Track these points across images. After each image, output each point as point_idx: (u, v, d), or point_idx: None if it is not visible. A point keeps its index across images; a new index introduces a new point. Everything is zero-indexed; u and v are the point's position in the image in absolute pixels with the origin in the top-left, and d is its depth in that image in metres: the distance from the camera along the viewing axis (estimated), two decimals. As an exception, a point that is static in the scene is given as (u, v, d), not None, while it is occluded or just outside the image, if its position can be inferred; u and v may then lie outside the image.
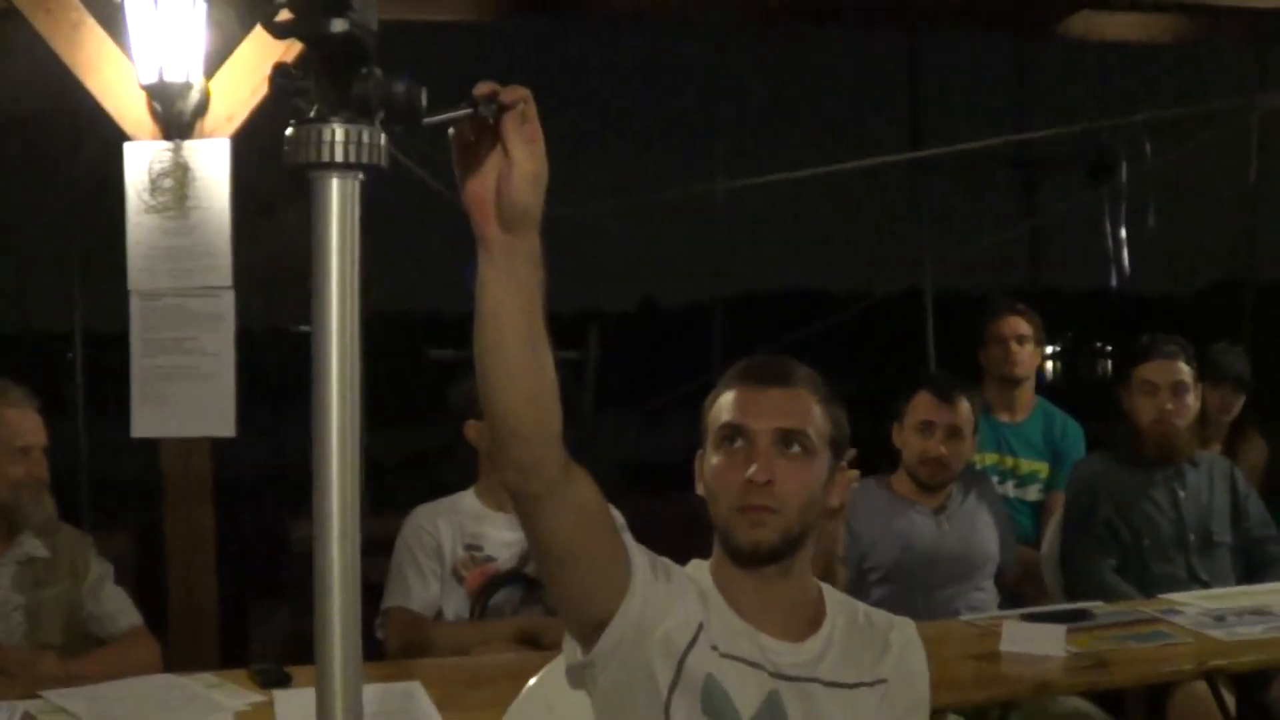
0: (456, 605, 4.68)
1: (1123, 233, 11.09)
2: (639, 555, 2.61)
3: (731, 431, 2.74)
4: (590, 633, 2.58)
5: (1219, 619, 4.62)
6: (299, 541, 8.60)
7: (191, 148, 5.14)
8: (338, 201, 1.63)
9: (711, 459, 2.77)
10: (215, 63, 5.28)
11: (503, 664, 3.85)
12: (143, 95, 5.24)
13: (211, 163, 5.10)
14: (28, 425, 4.44)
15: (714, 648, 2.66)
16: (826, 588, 2.92)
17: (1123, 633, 4.50)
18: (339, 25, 1.62)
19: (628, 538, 2.65)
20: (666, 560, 2.75)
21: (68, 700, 3.75)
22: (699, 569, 2.82)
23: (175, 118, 5.13)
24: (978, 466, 6.40)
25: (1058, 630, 4.29)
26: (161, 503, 5.39)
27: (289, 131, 1.64)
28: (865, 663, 2.80)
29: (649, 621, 2.59)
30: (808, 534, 2.77)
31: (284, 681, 3.86)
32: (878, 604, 4.87)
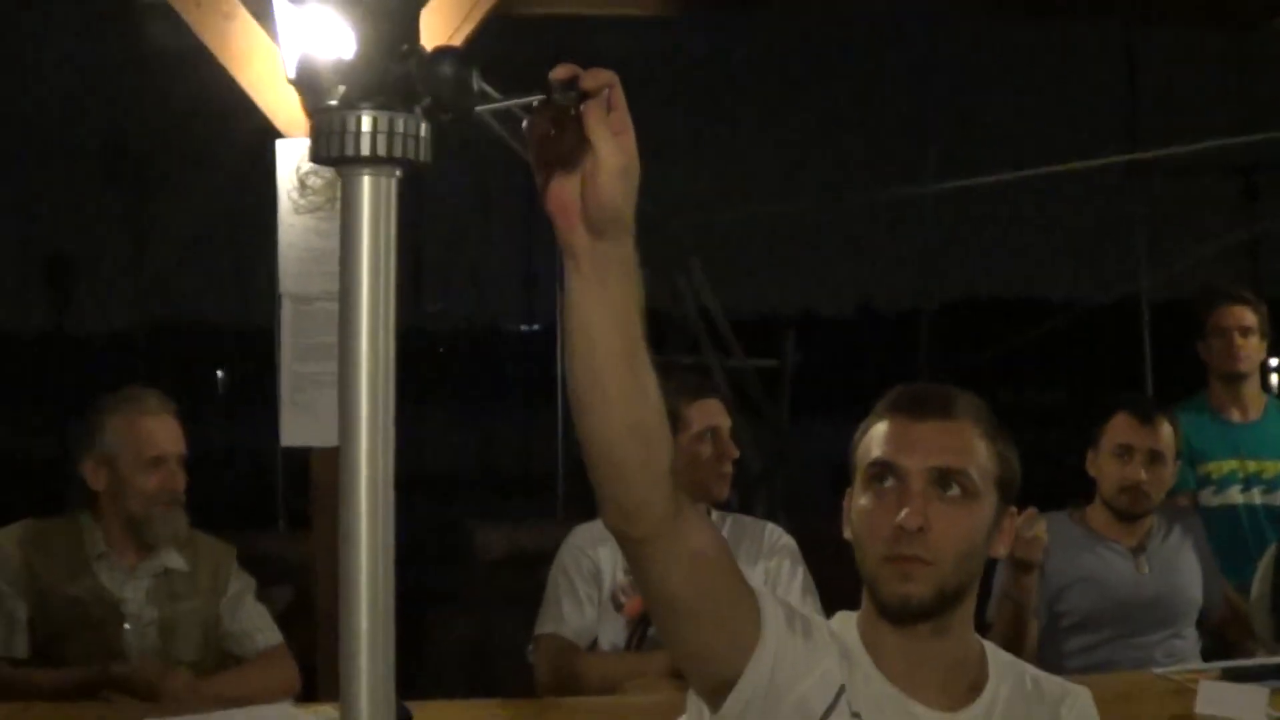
0: (613, 634, 4.49)
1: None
2: (772, 607, 2.34)
3: (882, 470, 2.44)
4: (716, 693, 2.32)
5: None
6: (484, 549, 8.45)
7: (344, 145, 4.99)
8: (369, 203, 1.41)
9: (859, 500, 2.48)
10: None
11: (642, 711, 3.62)
12: (293, 90, 5.05)
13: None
14: (163, 434, 4.33)
15: (856, 715, 2.36)
16: (991, 648, 2.59)
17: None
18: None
19: (763, 592, 2.37)
20: (808, 613, 2.47)
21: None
22: (845, 623, 2.53)
23: (327, 115, 4.98)
24: (1214, 477, 6.11)
25: (1260, 692, 3.91)
26: (313, 516, 5.29)
27: (315, 122, 1.42)
28: None
29: (782, 682, 2.31)
30: (968, 588, 2.46)
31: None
32: (1074, 654, 4.63)
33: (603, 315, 1.90)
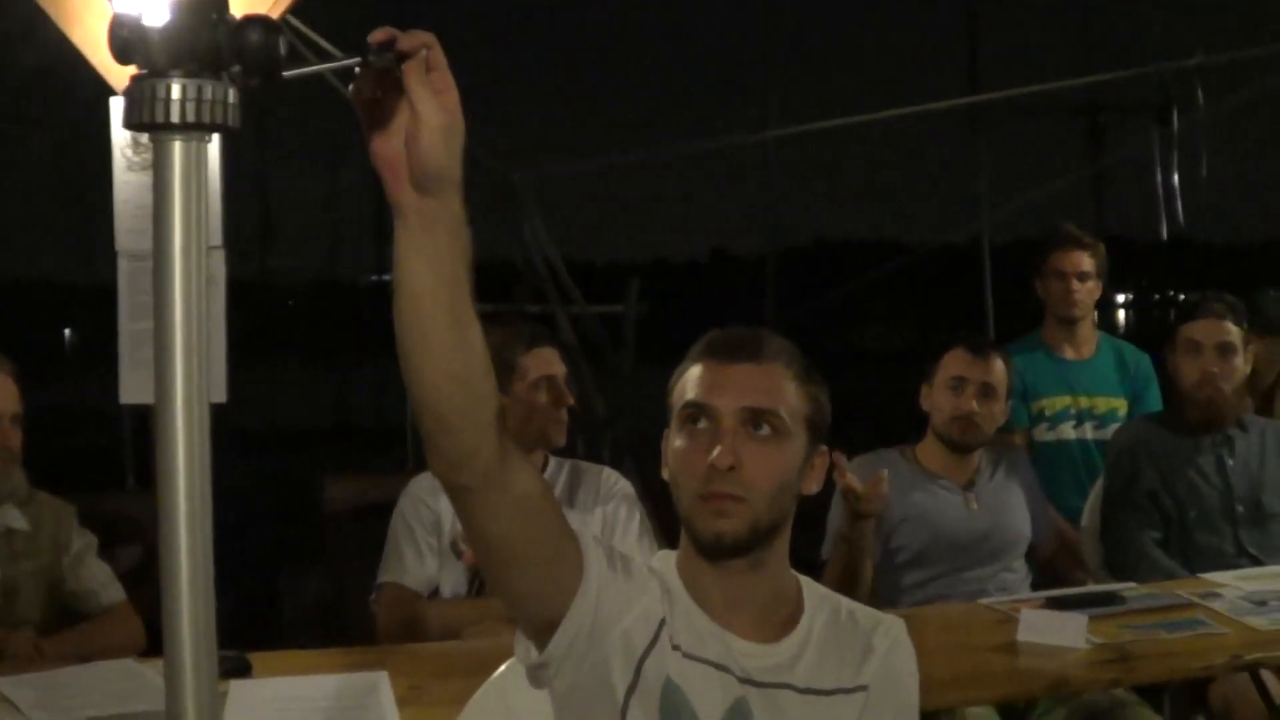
0: (454, 582, 4.53)
1: (1175, 180, 10.86)
2: (593, 549, 2.41)
3: (695, 411, 2.52)
4: (542, 632, 2.40)
5: (1260, 604, 4.37)
6: (331, 502, 8.47)
7: (179, 101, 4.96)
8: (180, 167, 1.44)
9: (675, 441, 2.56)
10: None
11: (484, 654, 3.64)
12: (130, 49, 5.01)
13: (202, 116, 4.92)
14: None
15: (676, 647, 2.46)
16: (806, 581, 2.69)
17: (1152, 620, 4.27)
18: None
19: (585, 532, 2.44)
20: (627, 553, 2.56)
21: (13, 688, 3.58)
22: (665, 561, 2.62)
23: (159, 70, 4.95)
24: (1048, 414, 6.28)
25: (1079, 620, 4.06)
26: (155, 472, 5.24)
27: (126, 89, 1.46)
28: (845, 667, 2.58)
29: (605, 620, 2.40)
30: (781, 524, 2.55)
31: (244, 670, 3.68)
32: (909, 589, 4.75)
33: (429, 270, 1.94)
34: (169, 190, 1.45)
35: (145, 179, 4.91)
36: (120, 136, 4.96)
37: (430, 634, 4.34)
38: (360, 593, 4.90)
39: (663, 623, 2.46)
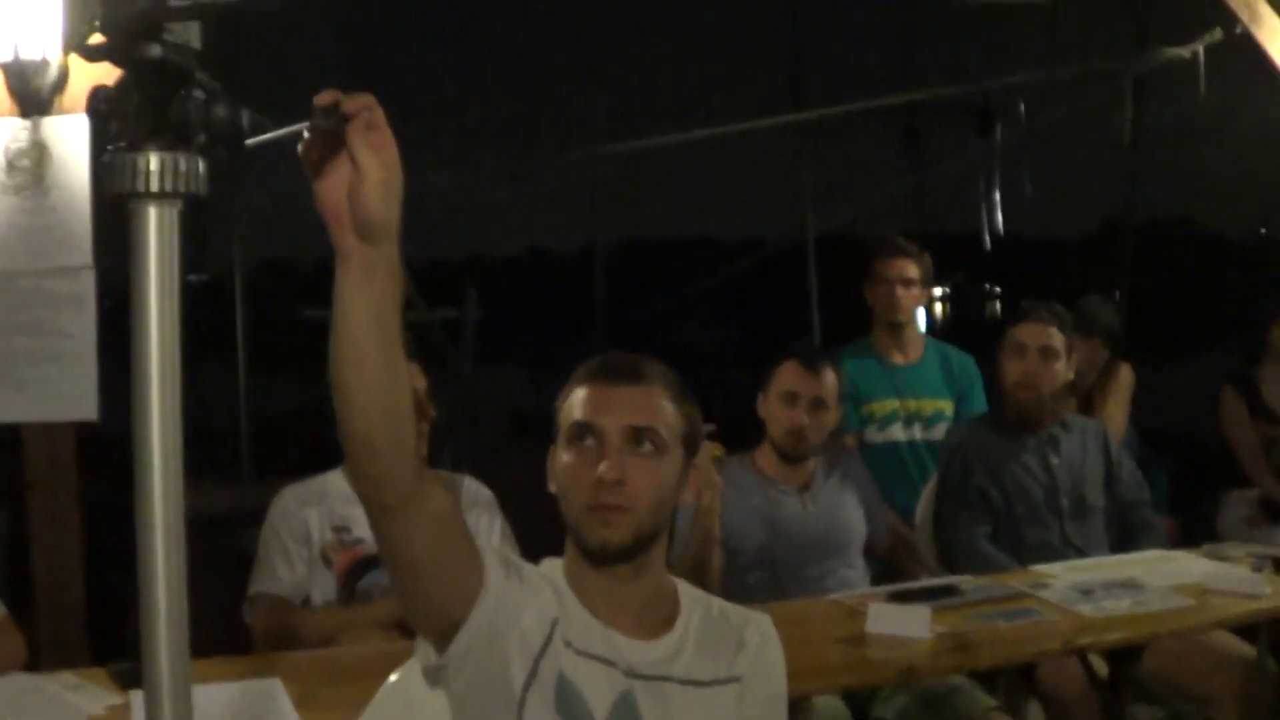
0: (325, 589, 4.63)
1: (996, 195, 11.17)
2: (491, 557, 2.59)
3: (582, 430, 2.73)
4: (444, 635, 2.56)
5: (1086, 593, 4.61)
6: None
7: (49, 125, 5.02)
8: (155, 231, 1.60)
9: (562, 457, 2.76)
10: (75, 39, 5.14)
11: (366, 659, 3.80)
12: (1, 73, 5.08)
13: (70, 140, 4.96)
14: None
15: (568, 644, 2.66)
16: (682, 585, 2.92)
17: (990, 610, 4.49)
18: (152, 50, 1.58)
19: (482, 537, 2.63)
20: (519, 559, 2.74)
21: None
22: (553, 567, 2.81)
23: (32, 95, 5.00)
24: (877, 416, 6.50)
25: (923, 611, 4.28)
26: (26, 491, 5.29)
27: (104, 159, 1.61)
28: (720, 660, 2.80)
29: (503, 623, 2.58)
30: (660, 532, 2.77)
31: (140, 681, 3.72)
32: (753, 588, 4.92)
33: (366, 311, 2.08)
34: (144, 252, 1.59)
35: (17, 201, 4.97)
36: (-7, 160, 5.01)
37: (305, 641, 4.44)
38: (210, 603, 4.99)
39: (555, 623, 2.65)
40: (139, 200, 1.59)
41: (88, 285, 4.97)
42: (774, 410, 5.21)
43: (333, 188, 2.02)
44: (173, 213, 1.60)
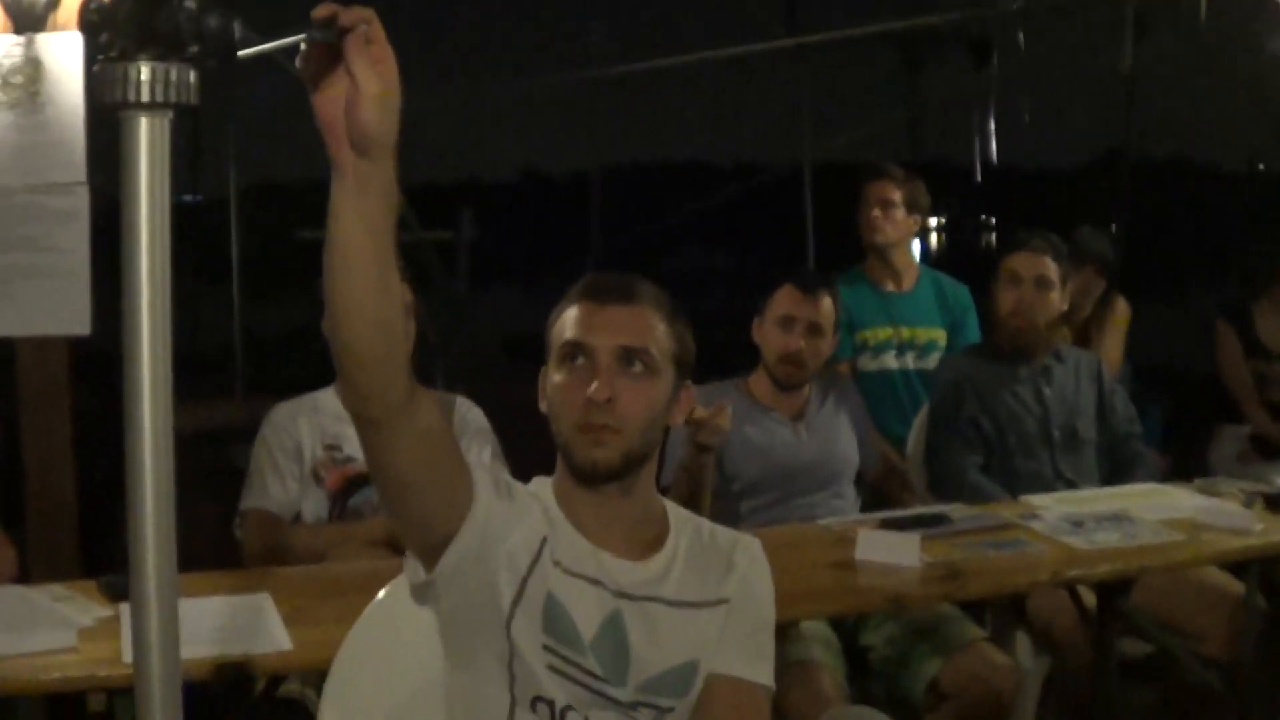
0: (316, 506, 4.65)
1: (991, 125, 11.13)
2: (481, 475, 2.61)
3: (573, 349, 2.74)
4: (432, 553, 2.59)
5: (1077, 525, 4.60)
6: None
7: (43, 41, 4.99)
8: (146, 142, 1.60)
9: (554, 377, 2.77)
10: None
11: (356, 575, 3.81)
12: (-10, -12, 5.04)
13: (64, 57, 4.93)
14: None
15: (557, 563, 2.68)
16: (671, 506, 2.93)
17: (980, 540, 4.48)
18: (143, -41, 1.57)
19: (473, 459, 2.64)
20: (510, 478, 2.77)
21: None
22: (543, 486, 2.83)
23: (26, 12, 4.98)
24: (871, 344, 6.51)
25: (913, 539, 4.27)
26: (18, 405, 5.31)
27: (95, 70, 1.60)
28: (709, 582, 2.81)
29: (492, 540, 2.60)
30: (650, 453, 2.79)
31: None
32: (747, 516, 4.92)
33: (360, 224, 2.10)
34: (135, 163, 1.59)
35: (11, 117, 4.96)
36: (-12, 76, 5.00)
37: (295, 558, 4.45)
38: (204, 518, 5.00)
39: (544, 542, 2.68)
40: (130, 110, 1.59)
41: (81, 201, 4.96)
42: (770, 335, 5.16)
43: (330, 101, 2.02)
44: (164, 123, 1.60)
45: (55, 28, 5.03)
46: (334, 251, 2.13)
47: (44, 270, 4.97)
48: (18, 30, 5.03)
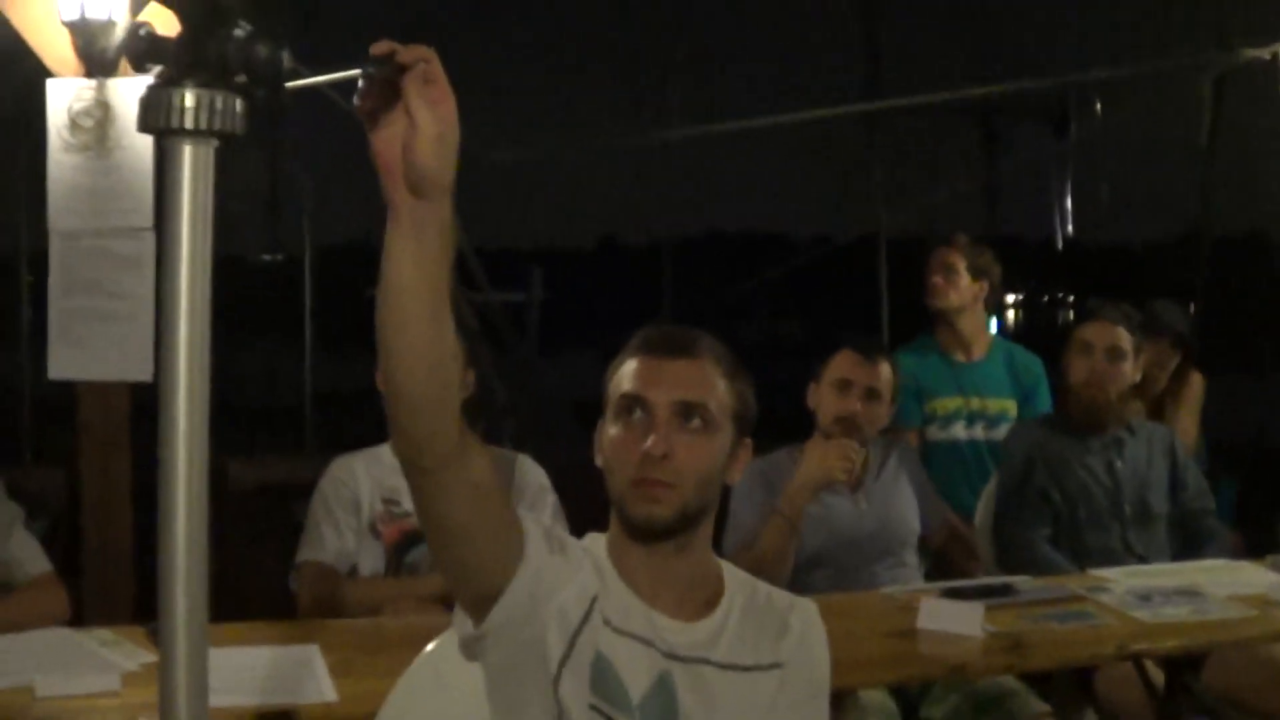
0: (372, 561, 4.63)
1: (1068, 197, 11.05)
2: (533, 528, 2.55)
3: (630, 402, 2.68)
4: (481, 606, 2.53)
5: (1145, 598, 4.51)
6: (233, 482, 8.52)
7: (114, 86, 5.04)
8: (190, 169, 1.57)
9: (610, 430, 2.71)
10: (141, 1, 5.16)
11: (406, 629, 3.79)
12: (66, 31, 5.07)
13: (134, 101, 4.96)
14: None
15: (607, 622, 2.61)
16: (728, 566, 2.86)
17: (1045, 611, 4.40)
18: (195, -15, 1.55)
19: (524, 511, 2.59)
20: (562, 533, 2.71)
21: (-53, 655, 3.65)
22: (595, 542, 2.77)
23: (98, 55, 5.02)
24: (940, 414, 6.43)
25: (976, 609, 4.19)
26: (78, 449, 5.32)
27: (143, 95, 1.58)
28: (763, 645, 2.74)
29: (542, 595, 2.54)
30: (707, 510, 2.72)
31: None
32: (807, 589, 4.85)
33: (415, 267, 2.05)
34: (178, 191, 1.56)
35: (80, 160, 4.99)
36: (57, 117, 5.03)
37: (349, 611, 4.43)
38: (263, 572, 4.98)
39: (595, 599, 2.61)
40: (174, 137, 1.57)
41: (148, 247, 4.99)
42: (825, 398, 5.09)
43: (387, 140, 1.98)
44: (208, 151, 1.58)
45: (126, 72, 5.06)
46: (388, 294, 2.08)
47: (108, 315, 4.99)
48: (89, 74, 5.06)
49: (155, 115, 1.56)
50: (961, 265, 6.47)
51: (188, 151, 1.56)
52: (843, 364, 5.09)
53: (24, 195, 10.40)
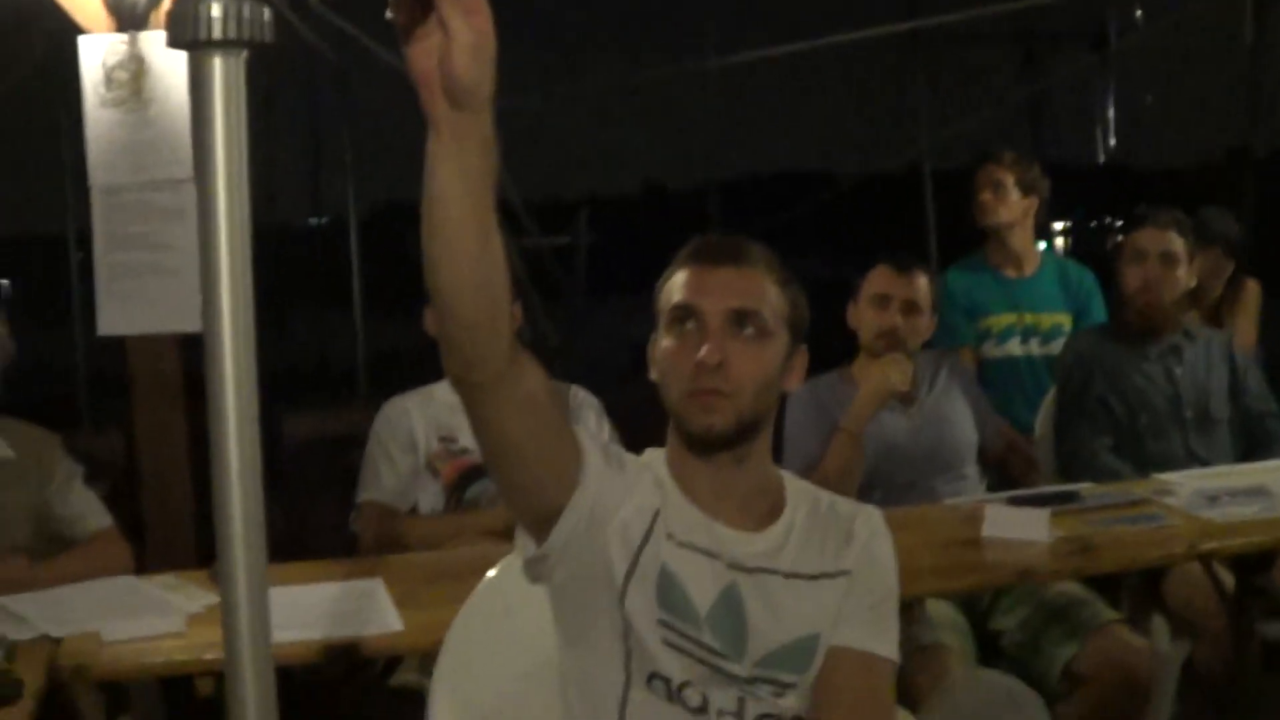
0: (432, 498, 4.65)
1: (1110, 112, 10.94)
2: (590, 444, 2.54)
3: (682, 313, 2.66)
4: (542, 525, 2.52)
5: (1212, 499, 4.45)
6: (290, 437, 8.57)
7: (146, 40, 5.02)
8: (221, 80, 1.54)
9: (663, 342, 2.70)
10: (170, -50, 5.14)
11: (468, 559, 3.78)
12: (95, -12, 5.08)
13: (168, 54, 4.96)
14: None
15: (670, 536, 2.60)
16: (788, 476, 2.84)
17: (1111, 515, 4.36)
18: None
19: (580, 429, 2.57)
20: (620, 448, 2.70)
21: (19, 604, 3.70)
22: (655, 457, 2.75)
23: (128, 11, 5.01)
24: (994, 331, 6.40)
25: (1041, 514, 4.16)
26: (130, 402, 5.33)
27: (170, 9, 1.56)
28: (828, 553, 2.72)
29: (603, 511, 2.54)
30: (765, 419, 2.70)
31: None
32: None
33: (457, 180, 2.01)
34: (210, 105, 1.53)
35: (117, 115, 4.98)
36: (91, 73, 5.02)
37: (410, 548, 4.45)
38: (324, 519, 4.99)
39: (657, 513, 2.60)
40: (203, 49, 1.53)
41: (189, 198, 4.98)
42: (865, 314, 5.07)
43: (423, 53, 1.94)
44: (239, 62, 1.54)
45: (158, 25, 5.05)
46: (432, 209, 2.05)
47: (153, 268, 5.00)
48: (120, 29, 5.05)
49: (183, 28, 1.52)
50: (1010, 181, 6.43)
51: (218, 64, 1.53)
52: (878, 279, 5.06)
53: (69, 175, 10.46)
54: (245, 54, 1.54)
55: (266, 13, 1.55)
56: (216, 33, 1.52)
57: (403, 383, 4.98)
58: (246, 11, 1.52)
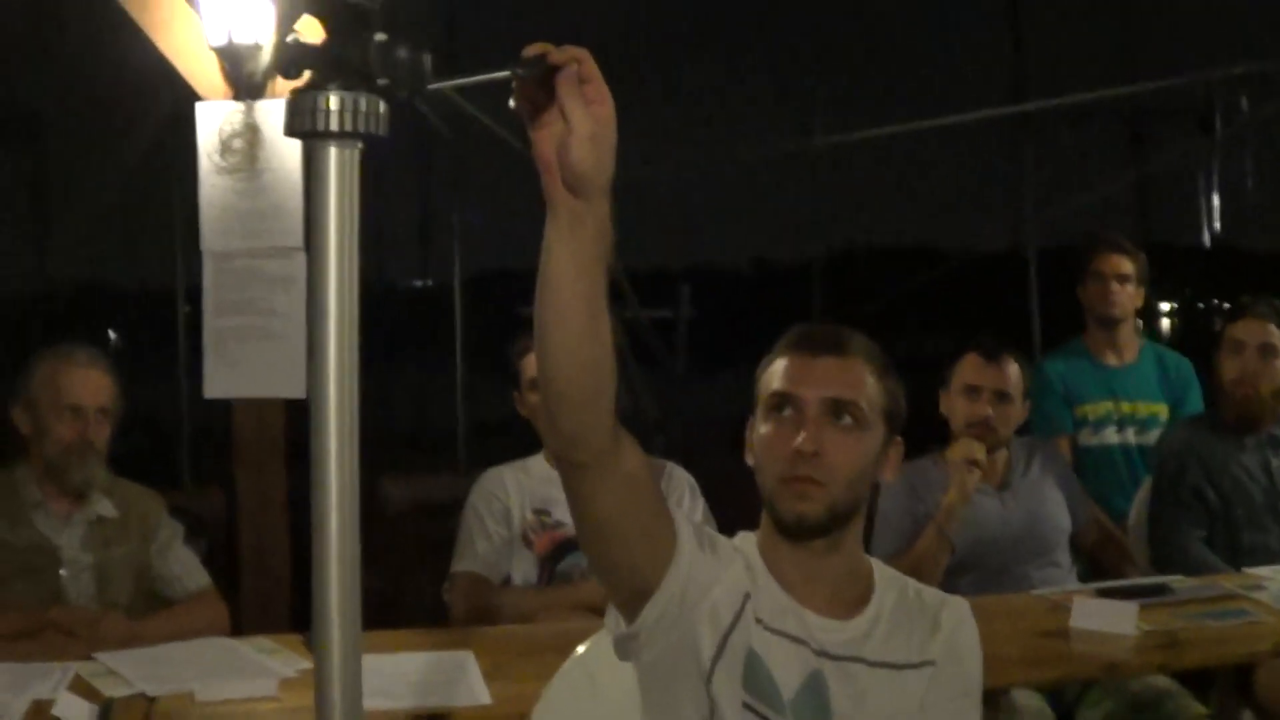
0: (525, 570, 4.67)
1: (1215, 194, 10.86)
2: (685, 526, 2.57)
3: (781, 400, 2.69)
4: (634, 604, 2.55)
5: (1305, 595, 4.43)
6: (388, 502, 8.62)
7: (262, 108, 5.12)
8: (335, 171, 1.60)
9: (760, 428, 2.73)
10: (287, 23, 5.21)
11: (558, 634, 3.81)
12: (214, 55, 5.18)
13: (282, 123, 5.03)
14: (83, 386, 4.45)
15: (759, 620, 2.62)
16: (878, 564, 2.86)
17: (1200, 610, 4.35)
18: (339, -8, 1.58)
19: (674, 507, 2.60)
20: (713, 531, 2.73)
21: (118, 662, 3.77)
22: (746, 541, 2.78)
23: (246, 79, 5.11)
24: (1091, 419, 6.32)
25: (1130, 608, 4.16)
26: (234, 465, 5.40)
27: (289, 100, 1.62)
28: (914, 643, 2.73)
29: (694, 593, 2.56)
30: (857, 508, 2.72)
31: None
32: (963, 592, 4.82)
33: (571, 263, 2.08)
34: (324, 193, 1.60)
35: (231, 182, 5.08)
36: (207, 140, 5.12)
37: (503, 620, 4.47)
38: (419, 588, 5.03)
39: (747, 597, 2.62)
40: (319, 140, 1.60)
41: (299, 266, 5.07)
42: (956, 404, 5.09)
43: (546, 139, 2.01)
44: (353, 154, 1.61)
45: (275, 94, 5.14)
46: (545, 289, 2.12)
47: (261, 333, 5.08)
48: (237, 97, 5.15)
49: (301, 119, 1.59)
50: (1133, 272, 6.38)
51: (333, 153, 1.60)
52: (968, 369, 5.09)
53: (179, 228, 10.60)
54: (360, 145, 1.60)
55: (382, 106, 1.60)
56: (334, 125, 1.58)
57: (501, 450, 5.01)
58: (363, 104, 1.59)
